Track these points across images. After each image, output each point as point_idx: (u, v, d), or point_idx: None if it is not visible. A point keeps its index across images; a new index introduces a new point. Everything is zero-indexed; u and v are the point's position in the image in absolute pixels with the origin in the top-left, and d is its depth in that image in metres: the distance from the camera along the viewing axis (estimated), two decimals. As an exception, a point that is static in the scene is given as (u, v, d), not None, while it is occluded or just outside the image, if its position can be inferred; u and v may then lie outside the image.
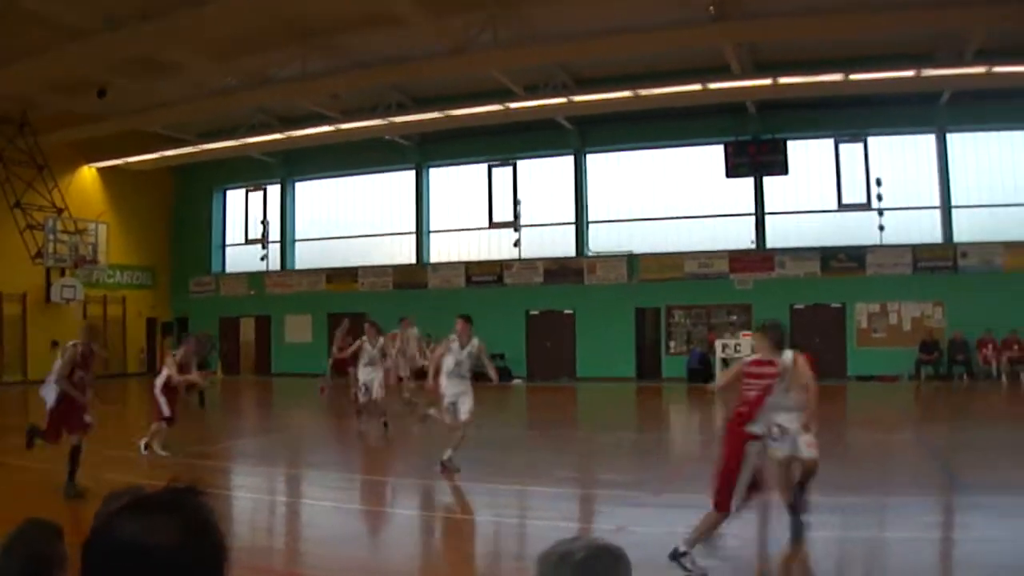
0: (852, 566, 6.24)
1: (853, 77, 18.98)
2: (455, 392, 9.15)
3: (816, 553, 6.25)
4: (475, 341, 9.33)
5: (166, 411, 10.33)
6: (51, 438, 8.05)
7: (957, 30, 17.46)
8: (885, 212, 22.57)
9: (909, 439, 12.58)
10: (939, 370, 21.44)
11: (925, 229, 22.86)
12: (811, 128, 22.75)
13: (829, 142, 22.93)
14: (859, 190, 22.79)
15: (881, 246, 22.68)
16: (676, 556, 5.39)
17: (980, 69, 18.58)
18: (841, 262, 22.83)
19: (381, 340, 13.35)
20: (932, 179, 22.81)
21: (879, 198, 22.51)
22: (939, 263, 22.64)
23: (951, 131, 22.71)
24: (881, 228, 22.60)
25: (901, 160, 22.90)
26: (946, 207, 22.76)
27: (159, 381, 10.58)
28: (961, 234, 22.69)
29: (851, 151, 22.90)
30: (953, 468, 9.50)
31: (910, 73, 18.92)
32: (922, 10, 16.06)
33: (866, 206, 22.69)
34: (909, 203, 22.77)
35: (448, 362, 9.18)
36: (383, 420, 12.98)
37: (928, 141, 22.83)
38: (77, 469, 7.77)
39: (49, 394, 7.90)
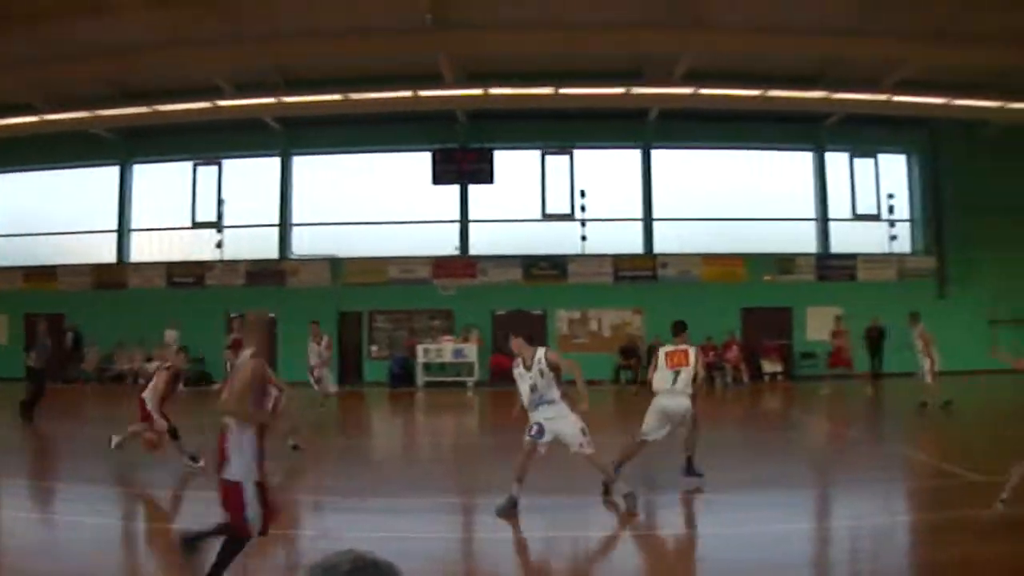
0: (571, 564, 6.75)
1: (563, 91, 20.15)
2: (548, 419, 7.64)
3: (544, 552, 7.02)
4: (540, 353, 7.75)
5: None
6: None
7: (666, 52, 18.84)
8: (588, 223, 23.45)
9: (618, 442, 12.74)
10: (637, 375, 21.92)
11: (627, 240, 23.77)
12: (519, 139, 23.75)
13: (536, 153, 23.94)
14: (564, 201, 23.69)
15: (583, 255, 23.43)
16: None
17: (687, 90, 20.10)
18: (543, 270, 23.44)
19: (326, 339, 15.10)
20: (635, 192, 23.88)
21: (583, 209, 23.41)
22: (640, 272, 23.48)
23: (655, 147, 24.01)
24: (584, 238, 23.41)
25: (606, 173, 23.99)
26: (648, 219, 23.76)
27: None
28: (661, 245, 23.67)
29: (557, 163, 23.91)
30: (656, 468, 9.80)
31: (619, 90, 20.39)
32: (631, 31, 17.51)
33: (570, 216, 23.54)
34: (612, 215, 23.72)
35: (523, 390, 7.70)
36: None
37: (633, 156, 24.03)
38: None
39: None
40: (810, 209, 24.39)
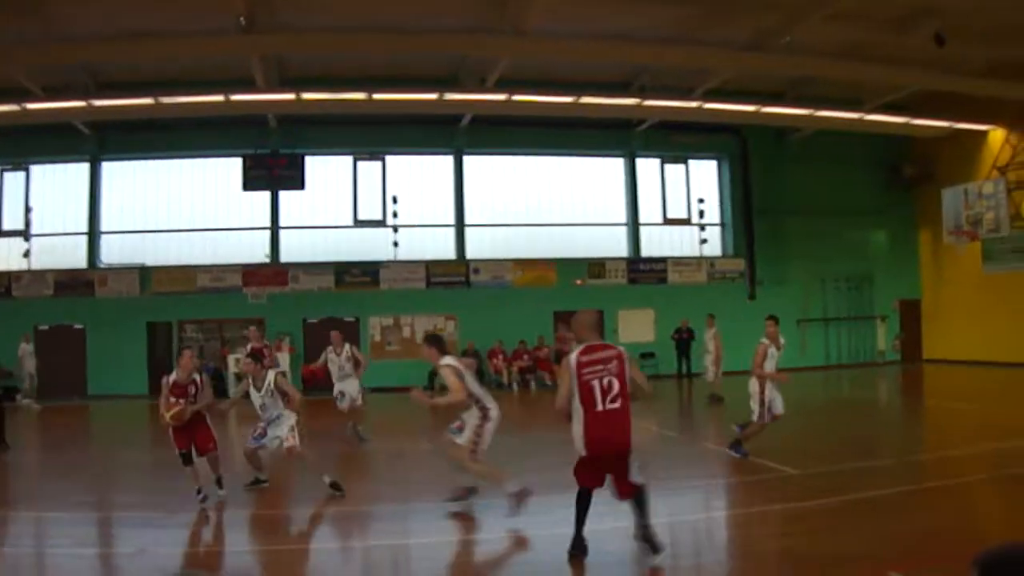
0: (388, 571, 7.03)
1: (377, 96, 20.58)
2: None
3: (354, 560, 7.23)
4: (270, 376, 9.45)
5: None
6: None
7: (482, 58, 19.53)
8: (400, 229, 24.17)
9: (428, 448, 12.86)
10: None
11: (439, 246, 24.55)
12: (331, 144, 24.26)
13: (348, 159, 24.55)
14: (376, 207, 24.35)
15: (396, 262, 24.12)
16: None
17: (501, 96, 20.85)
18: (355, 276, 24.06)
19: (347, 348, 13.54)
20: (448, 198, 24.66)
21: (395, 215, 24.10)
22: (452, 278, 24.27)
23: (468, 153, 24.82)
24: (396, 244, 24.13)
25: (418, 179, 24.70)
26: (460, 225, 24.56)
27: None
28: (473, 251, 24.50)
29: (369, 168, 24.56)
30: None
31: (433, 96, 21.02)
32: (449, 37, 18.21)
33: (382, 223, 24.22)
34: (424, 221, 24.47)
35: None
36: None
37: (446, 162, 24.80)
38: None
39: None
40: (622, 214, 25.45)
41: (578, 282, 24.58)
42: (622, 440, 6.14)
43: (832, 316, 26.47)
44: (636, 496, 6.30)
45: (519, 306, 23.64)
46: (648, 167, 25.70)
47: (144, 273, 23.85)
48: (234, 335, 24.02)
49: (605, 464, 6.24)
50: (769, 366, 10.28)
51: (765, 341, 10.43)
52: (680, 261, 25.41)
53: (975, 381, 21.69)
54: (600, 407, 6.06)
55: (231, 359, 22.77)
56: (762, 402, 10.25)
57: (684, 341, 23.11)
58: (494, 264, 24.40)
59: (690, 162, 25.98)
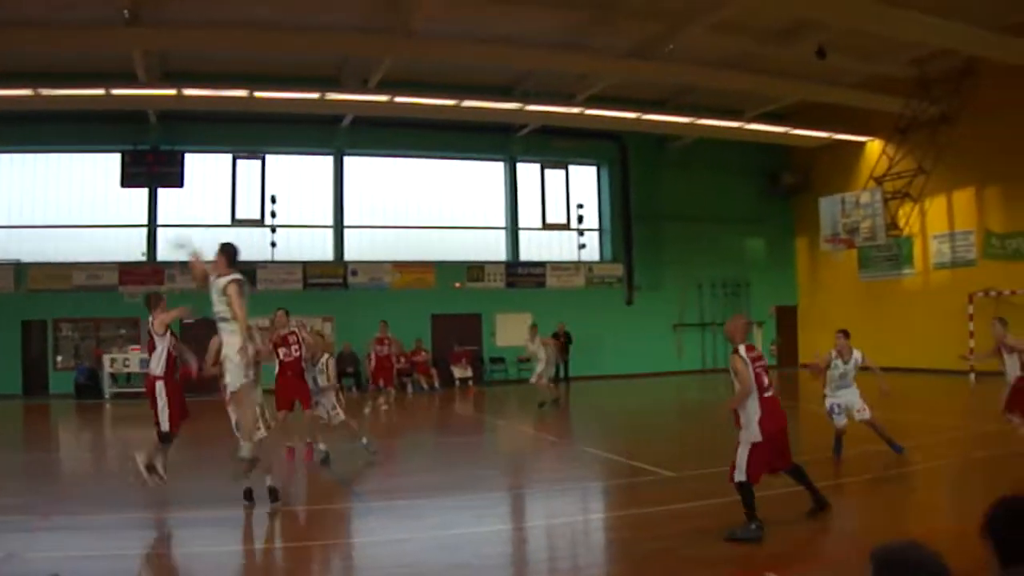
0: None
1: (258, 94, 22.36)
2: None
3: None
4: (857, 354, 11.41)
5: None
6: None
7: (367, 58, 21.83)
8: (279, 229, 26.94)
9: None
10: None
11: (318, 247, 27.40)
12: (211, 142, 26.65)
13: (228, 157, 27.15)
14: (254, 206, 27.10)
15: (273, 262, 26.75)
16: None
17: (383, 97, 23.29)
18: None
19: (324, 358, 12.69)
20: (327, 199, 27.52)
21: (273, 215, 26.84)
22: (330, 280, 27.12)
23: (349, 154, 27.64)
24: (273, 244, 26.87)
25: (298, 179, 27.47)
26: (339, 226, 27.45)
27: None
28: (352, 252, 27.40)
29: (249, 167, 27.21)
30: (350, 477, 11.31)
31: (315, 95, 23.28)
32: (335, 36, 19.93)
33: (260, 222, 26.95)
34: (303, 221, 27.28)
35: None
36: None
37: (326, 162, 27.58)
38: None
39: None
40: (501, 218, 28.65)
41: (456, 285, 27.64)
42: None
43: (709, 321, 30.03)
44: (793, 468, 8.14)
45: (397, 309, 26.36)
46: (528, 172, 28.92)
47: (19, 270, 25.73)
48: (110, 334, 26.56)
49: (776, 443, 7.86)
50: (832, 376, 11.42)
51: (832, 353, 11.57)
52: (559, 266, 28.70)
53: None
54: (769, 393, 7.89)
55: (106, 359, 25.04)
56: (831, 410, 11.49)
57: (561, 345, 26.33)
58: (372, 266, 27.20)
59: (570, 167, 29.30)
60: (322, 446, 11.86)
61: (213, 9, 18.61)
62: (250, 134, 26.45)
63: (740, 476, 7.72)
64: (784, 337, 31.04)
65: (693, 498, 9.41)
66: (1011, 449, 11.47)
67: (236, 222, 26.87)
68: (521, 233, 28.88)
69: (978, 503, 3.03)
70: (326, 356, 12.72)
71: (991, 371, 23.63)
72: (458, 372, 26.98)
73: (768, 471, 7.87)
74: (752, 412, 7.76)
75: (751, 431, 7.76)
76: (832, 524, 8.14)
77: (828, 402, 11.49)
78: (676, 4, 19.17)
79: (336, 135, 27.02)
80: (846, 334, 11.50)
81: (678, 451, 12.92)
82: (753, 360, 7.93)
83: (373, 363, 20.72)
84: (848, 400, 11.37)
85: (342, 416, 12.23)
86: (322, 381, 12.40)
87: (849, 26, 20.18)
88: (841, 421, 11.36)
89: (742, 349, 7.99)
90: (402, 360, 25.46)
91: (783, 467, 8.08)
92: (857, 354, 11.35)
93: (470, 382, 26.78)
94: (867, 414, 11.36)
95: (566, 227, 28.92)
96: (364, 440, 12.32)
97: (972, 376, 23.17)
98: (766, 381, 7.96)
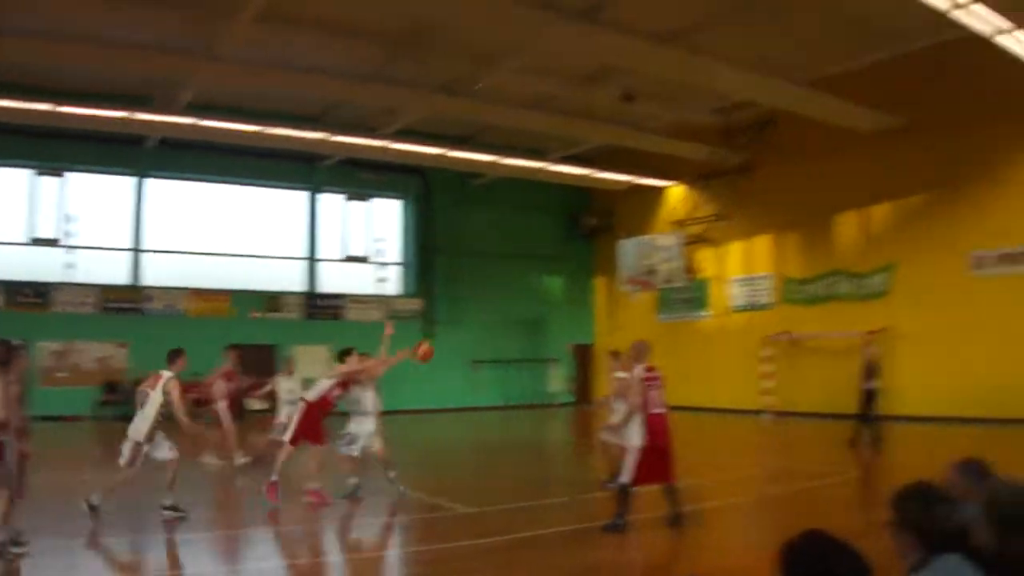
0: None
1: (63, 109, 25.06)
2: None
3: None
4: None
5: None
6: None
7: (174, 79, 24.55)
8: (76, 250, 31.96)
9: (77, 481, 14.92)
10: (121, 410, 30.76)
11: (115, 270, 32.34)
12: (8, 156, 30.40)
13: (27, 173, 31.30)
14: (52, 225, 31.81)
15: (69, 284, 31.15)
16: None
17: (189, 120, 26.64)
18: (27, 297, 30.84)
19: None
20: (127, 221, 33.01)
21: (70, 235, 31.56)
22: (126, 304, 32.16)
23: (151, 176, 32.57)
24: (70, 266, 31.67)
25: (98, 199, 32.29)
26: (137, 250, 32.62)
27: None
28: (150, 277, 32.63)
29: (49, 185, 31.56)
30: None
31: (121, 114, 25.99)
32: (140, 54, 22.37)
33: (56, 242, 31.71)
34: (101, 243, 32.08)
35: None
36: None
37: (128, 183, 32.53)
38: None
39: None
40: (302, 248, 34.96)
41: (254, 315, 33.69)
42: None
43: (506, 358, 37.24)
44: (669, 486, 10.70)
45: (193, 337, 31.54)
46: (331, 203, 35.04)
47: None
48: None
49: (659, 455, 10.41)
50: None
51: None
52: (358, 299, 35.06)
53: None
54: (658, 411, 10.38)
55: None
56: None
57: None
58: (169, 292, 32.28)
59: (374, 200, 35.79)
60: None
61: (18, 19, 20.52)
62: (52, 150, 29.60)
63: (625, 479, 10.49)
64: (580, 375, 38.44)
65: (488, 534, 10.87)
66: (800, 486, 14.70)
67: (34, 241, 31.19)
68: (321, 265, 35.00)
69: (767, 538, 3.98)
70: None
71: (788, 411, 30.25)
72: (254, 403, 31.14)
73: (650, 480, 10.60)
74: (640, 425, 10.41)
75: (637, 441, 10.45)
76: (613, 557, 10.05)
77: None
78: (485, 45, 22.97)
79: (140, 156, 30.74)
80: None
81: (475, 487, 14.76)
82: (647, 380, 10.56)
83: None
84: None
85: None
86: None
87: (655, 74, 24.24)
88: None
89: (639, 368, 10.73)
90: (196, 391, 30.69)
91: (665, 480, 10.77)
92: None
93: (265, 413, 32.05)
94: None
95: (367, 260, 35.57)
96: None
97: (766, 416, 29.87)
98: (655, 398, 10.64)
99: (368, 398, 13.92)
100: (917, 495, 3.74)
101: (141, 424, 11.72)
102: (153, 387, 11.95)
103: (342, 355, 14.14)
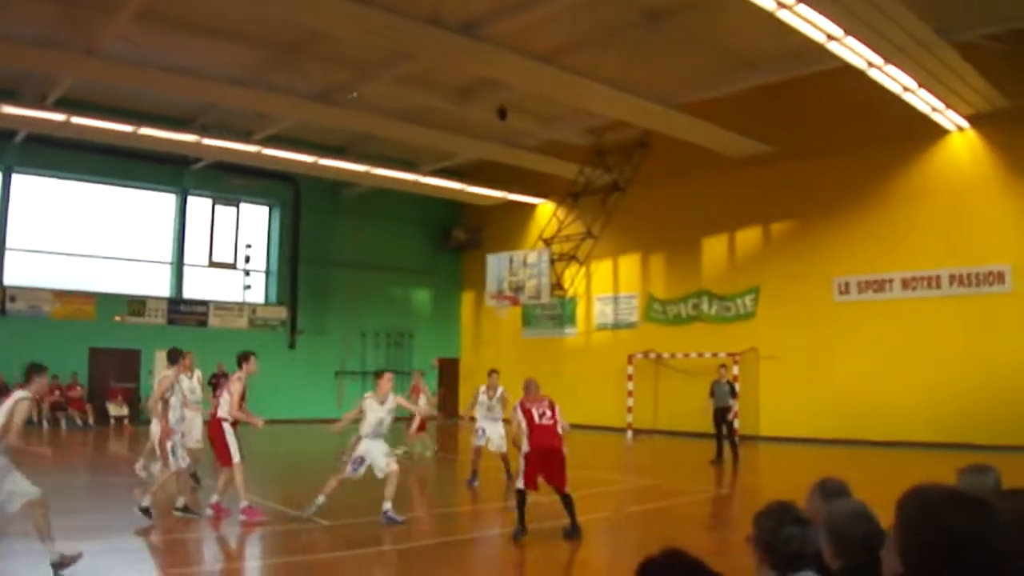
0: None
1: None
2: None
3: None
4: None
5: None
6: None
7: (45, 75, 26.17)
8: None
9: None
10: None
11: None
12: None
13: None
14: None
15: None
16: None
17: (60, 116, 28.40)
18: None
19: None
20: None
21: None
22: None
23: (17, 172, 34.86)
24: None
25: None
26: (0, 248, 34.72)
27: None
28: (11, 277, 34.87)
29: None
30: None
31: None
32: (10, 47, 23.35)
33: None
34: None
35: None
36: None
37: None
38: None
39: None
40: (168, 252, 38.23)
41: (117, 319, 35.89)
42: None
43: (371, 369, 41.29)
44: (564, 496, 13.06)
45: (55, 339, 33.70)
46: (199, 206, 38.15)
47: None
48: None
49: (544, 460, 12.95)
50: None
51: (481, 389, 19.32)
52: (222, 306, 38.44)
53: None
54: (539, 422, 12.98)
55: None
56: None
57: (215, 386, 35.40)
58: (32, 293, 33.80)
59: (242, 205, 39.13)
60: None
61: None
62: None
63: (519, 484, 12.72)
64: (446, 388, 42.31)
65: (347, 547, 11.94)
66: (661, 503, 16.48)
67: None
68: (186, 269, 37.71)
69: (629, 555, 4.58)
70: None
71: (649, 428, 33.90)
72: (114, 409, 33.72)
73: (538, 482, 12.95)
74: (526, 436, 13.01)
75: (524, 448, 13.00)
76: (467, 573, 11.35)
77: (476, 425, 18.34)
78: (361, 54, 24.71)
79: (7, 150, 32.65)
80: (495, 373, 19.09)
81: (334, 500, 14.89)
82: (525, 401, 13.42)
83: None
84: (491, 430, 18.46)
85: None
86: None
87: (530, 91, 26.45)
88: (479, 442, 18.33)
89: (519, 401, 13.57)
90: (57, 394, 32.95)
91: (555, 484, 13.08)
92: (502, 390, 18.48)
93: (126, 420, 33.56)
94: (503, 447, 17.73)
95: (233, 266, 38.78)
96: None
97: (629, 434, 33.58)
98: (535, 413, 13.20)
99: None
100: (771, 514, 4.17)
101: None
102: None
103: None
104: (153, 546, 12.69)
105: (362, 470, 14.56)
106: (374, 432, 14.61)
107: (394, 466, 14.44)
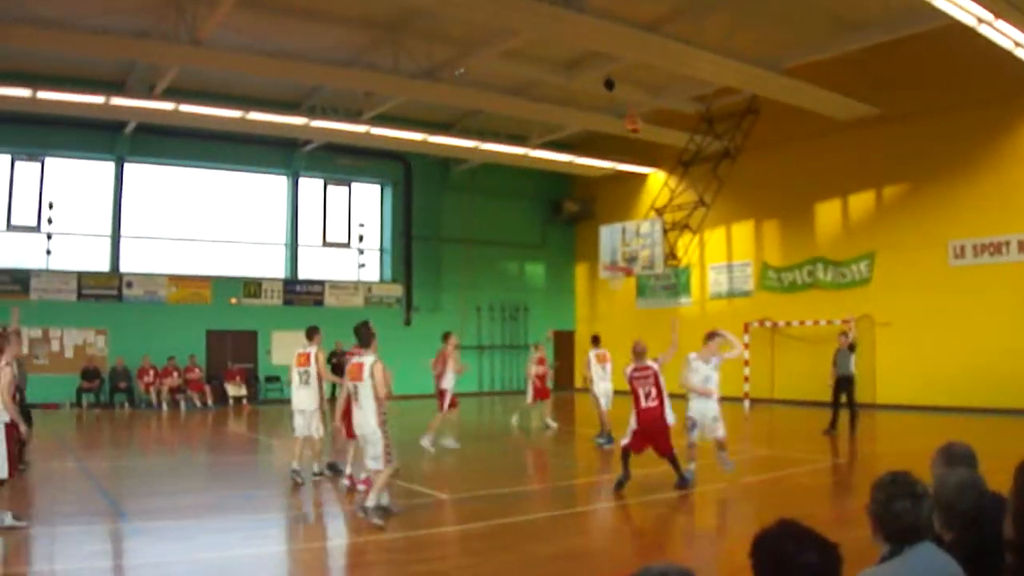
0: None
1: (41, 95, 27.11)
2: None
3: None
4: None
5: None
6: None
7: (154, 65, 26.81)
8: (54, 236, 35.12)
9: (72, 468, 17.18)
10: (100, 398, 33.29)
11: (94, 256, 35.59)
12: None
13: (5, 158, 34.29)
14: (31, 212, 34.93)
15: (47, 271, 34.38)
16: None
17: (168, 105, 28.95)
18: (4, 284, 33.75)
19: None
20: (106, 207, 35.96)
21: (49, 221, 34.83)
22: (105, 291, 35.22)
23: (130, 161, 35.76)
24: (49, 252, 34.95)
25: (77, 185, 35.50)
26: (116, 236, 35.78)
27: None
28: (128, 264, 35.89)
29: (27, 170, 34.75)
30: (115, 495, 13.44)
31: (99, 99, 28.01)
32: (117, 39, 24.00)
33: (35, 229, 34.98)
34: (80, 229, 35.35)
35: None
36: None
37: (107, 168, 35.77)
38: None
39: None
40: (282, 233, 38.63)
41: (232, 301, 37.00)
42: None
43: (487, 344, 41.28)
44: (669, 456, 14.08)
45: (172, 323, 34.88)
46: (311, 188, 38.69)
47: None
48: None
49: (648, 433, 13.94)
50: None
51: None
52: (338, 285, 38.88)
53: (624, 411, 30.17)
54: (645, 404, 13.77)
55: None
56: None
57: (340, 364, 36.24)
58: (148, 278, 34.70)
59: (353, 185, 39.54)
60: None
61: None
62: (30, 136, 32.16)
63: (624, 442, 14.13)
64: (562, 361, 42.08)
65: (467, 520, 11.85)
66: (780, 473, 16.48)
67: (11, 227, 34.48)
68: (301, 250, 38.42)
69: (746, 526, 5.77)
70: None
71: (765, 398, 33.90)
72: (232, 390, 34.44)
73: (643, 448, 14.07)
74: (633, 417, 14.02)
75: (631, 425, 14.04)
76: (594, 545, 11.34)
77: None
78: (466, 30, 24.75)
79: (118, 141, 33.53)
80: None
81: (454, 474, 15.93)
82: (634, 376, 14.04)
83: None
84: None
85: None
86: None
87: (635, 60, 26.22)
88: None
89: (629, 368, 14.21)
90: (175, 376, 33.87)
91: (661, 452, 14.15)
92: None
93: (244, 400, 34.36)
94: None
95: (347, 246, 39.29)
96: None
97: (747, 403, 33.06)
98: (641, 393, 13.71)
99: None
100: (882, 487, 4.10)
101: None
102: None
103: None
104: (271, 522, 12.95)
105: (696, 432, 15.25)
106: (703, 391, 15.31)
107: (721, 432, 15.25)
